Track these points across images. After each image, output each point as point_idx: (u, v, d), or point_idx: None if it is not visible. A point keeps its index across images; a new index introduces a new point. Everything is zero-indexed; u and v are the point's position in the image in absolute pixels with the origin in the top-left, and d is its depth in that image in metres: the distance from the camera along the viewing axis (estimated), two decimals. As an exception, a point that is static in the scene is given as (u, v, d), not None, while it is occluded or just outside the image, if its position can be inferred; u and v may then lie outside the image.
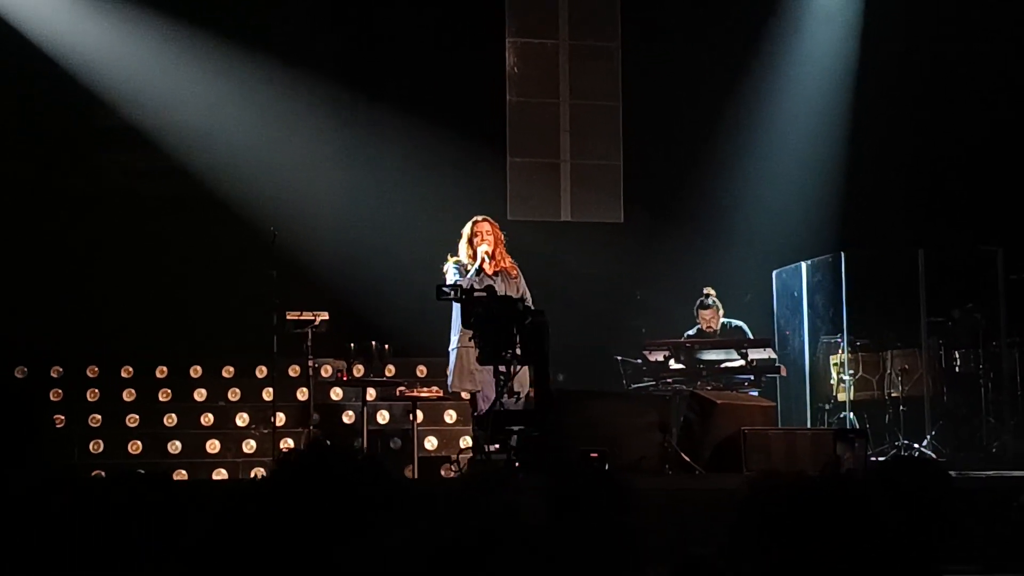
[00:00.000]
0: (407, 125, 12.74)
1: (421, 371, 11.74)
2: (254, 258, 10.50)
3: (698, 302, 11.40)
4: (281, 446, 10.69)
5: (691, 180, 13.38)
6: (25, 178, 12.31)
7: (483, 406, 9.13)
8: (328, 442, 8.49)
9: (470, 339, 8.38)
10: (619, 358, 11.07)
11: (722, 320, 11.36)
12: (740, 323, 11.47)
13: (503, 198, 13.30)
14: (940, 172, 13.10)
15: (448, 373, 9.55)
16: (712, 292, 11.41)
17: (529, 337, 7.79)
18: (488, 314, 7.86)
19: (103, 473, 9.79)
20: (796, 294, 12.56)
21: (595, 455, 7.57)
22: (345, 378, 10.47)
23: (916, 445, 11.07)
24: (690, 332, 11.38)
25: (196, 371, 11.55)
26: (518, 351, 7.82)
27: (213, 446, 10.89)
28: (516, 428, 7.91)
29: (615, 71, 13.80)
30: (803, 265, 12.48)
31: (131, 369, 11.46)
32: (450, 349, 9.48)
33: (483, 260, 9.39)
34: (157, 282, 12.11)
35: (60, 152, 12.42)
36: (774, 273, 12.88)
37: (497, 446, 7.99)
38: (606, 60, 13.82)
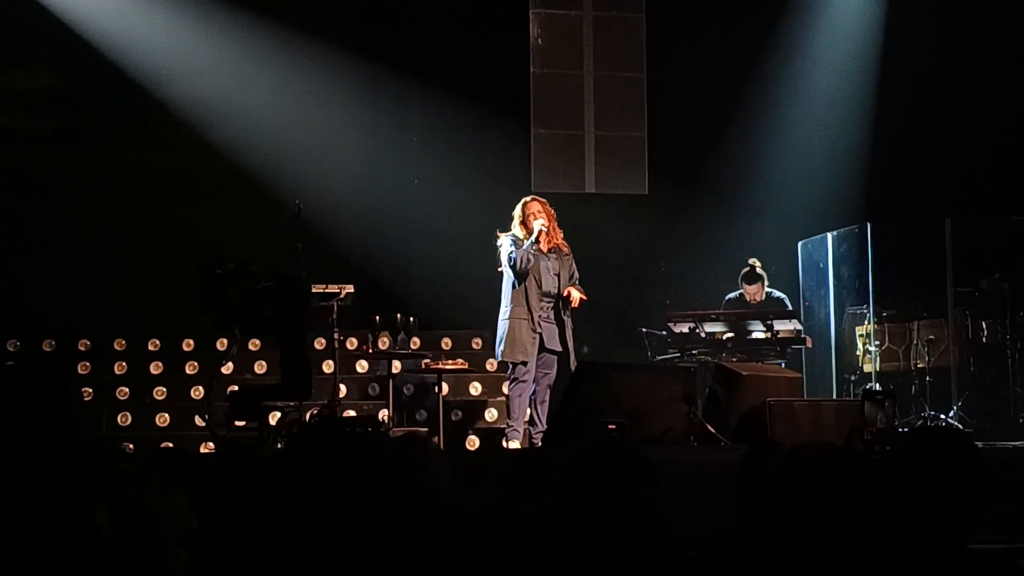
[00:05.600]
0: (431, 97, 12.71)
1: (446, 344, 11.75)
2: (279, 231, 10.51)
3: (743, 274, 11.26)
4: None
5: (716, 151, 13.32)
6: (50, 154, 12.36)
7: (527, 379, 9.24)
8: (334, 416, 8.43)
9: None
10: (644, 330, 11.05)
11: (766, 290, 11.25)
12: (782, 295, 11.36)
13: (527, 170, 13.26)
14: (967, 141, 12.99)
15: (498, 342, 9.56)
16: (757, 263, 11.27)
17: (277, 303, 7.46)
18: (216, 280, 7.58)
19: (131, 446, 9.86)
20: (822, 265, 12.51)
21: (613, 427, 7.54)
22: (370, 351, 10.49)
23: (943, 416, 11.03)
24: (731, 296, 11.29)
25: (223, 343, 11.58)
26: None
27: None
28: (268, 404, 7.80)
29: (639, 42, 13.72)
30: (829, 236, 12.42)
31: (158, 342, 11.53)
32: (501, 319, 9.50)
33: (540, 233, 9.48)
34: (182, 255, 12.14)
35: (85, 128, 12.44)
36: (800, 244, 12.81)
37: (244, 422, 7.94)
38: (630, 31, 13.74)
